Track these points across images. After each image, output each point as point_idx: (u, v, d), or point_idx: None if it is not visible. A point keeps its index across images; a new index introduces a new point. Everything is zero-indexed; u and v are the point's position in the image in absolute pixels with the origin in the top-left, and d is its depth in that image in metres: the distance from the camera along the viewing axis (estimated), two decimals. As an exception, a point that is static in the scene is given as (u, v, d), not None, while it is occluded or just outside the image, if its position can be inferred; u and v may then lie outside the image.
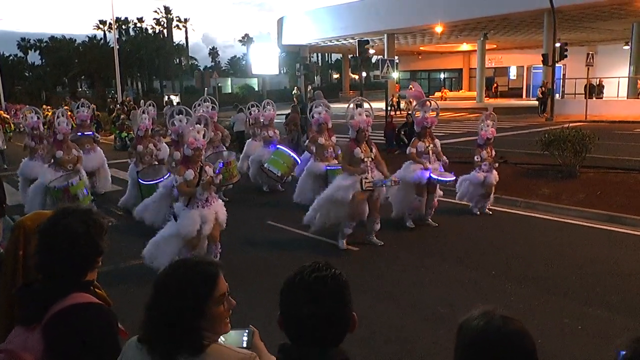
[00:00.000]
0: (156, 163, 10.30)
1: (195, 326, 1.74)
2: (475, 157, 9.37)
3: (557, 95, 29.57)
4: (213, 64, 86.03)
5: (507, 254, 7.36)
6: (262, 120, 12.10)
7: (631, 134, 19.56)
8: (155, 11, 74.44)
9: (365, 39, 22.75)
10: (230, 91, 62.52)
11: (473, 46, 42.72)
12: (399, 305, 5.78)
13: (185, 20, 76.62)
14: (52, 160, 9.78)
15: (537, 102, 29.86)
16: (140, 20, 75.72)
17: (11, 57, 74.27)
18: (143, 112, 10.87)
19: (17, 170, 11.27)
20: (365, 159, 7.60)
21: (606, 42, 39.35)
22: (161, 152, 10.85)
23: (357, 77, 27.11)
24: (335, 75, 71.72)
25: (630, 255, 7.15)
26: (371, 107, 8.27)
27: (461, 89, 51.16)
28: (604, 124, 23.26)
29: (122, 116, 22.19)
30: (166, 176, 9.02)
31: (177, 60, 77.17)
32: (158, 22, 74.86)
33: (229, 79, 72.76)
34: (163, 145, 11.25)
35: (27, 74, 75.36)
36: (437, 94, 44.75)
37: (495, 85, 47.27)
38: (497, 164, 9.53)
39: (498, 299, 5.80)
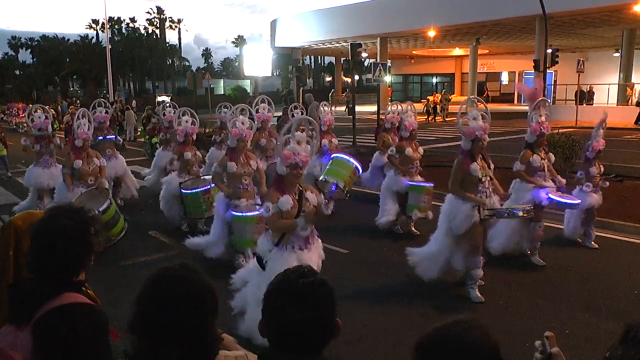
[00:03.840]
0: (201, 176, 8.87)
1: (214, 333, 1.75)
2: (578, 173, 7.73)
3: (548, 100, 29.75)
4: (206, 65, 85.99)
5: (494, 256, 7.39)
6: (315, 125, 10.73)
7: (620, 141, 19.72)
8: (148, 12, 74.18)
9: (358, 42, 22.80)
10: (222, 93, 62.42)
11: (465, 51, 42.93)
12: (390, 309, 5.81)
13: (179, 21, 76.65)
14: (71, 173, 8.11)
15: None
16: (133, 20, 75.81)
17: (2, 56, 73.92)
18: (182, 115, 9.39)
19: (24, 180, 9.91)
20: (484, 179, 5.94)
21: (597, 49, 39.66)
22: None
23: (349, 80, 27.18)
24: (328, 78, 71.80)
25: (618, 260, 7.21)
26: (487, 110, 6.50)
27: (453, 93, 51.37)
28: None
29: (153, 119, 18.83)
30: (209, 186, 7.98)
31: (170, 61, 77.02)
32: (151, 22, 74.77)
33: (222, 80, 72.69)
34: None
35: (18, 73, 74.96)
36: (430, 98, 44.91)
37: (486, 90, 47.46)
38: (607, 183, 7.75)
39: (486, 302, 5.83)
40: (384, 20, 34.98)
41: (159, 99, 42.86)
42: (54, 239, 2.06)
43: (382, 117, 21.82)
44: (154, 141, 17.16)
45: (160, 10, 74.68)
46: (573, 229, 7.73)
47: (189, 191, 8.13)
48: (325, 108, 10.40)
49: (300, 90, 24.19)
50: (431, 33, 32.71)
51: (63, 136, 18.93)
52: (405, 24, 34.10)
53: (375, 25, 35.73)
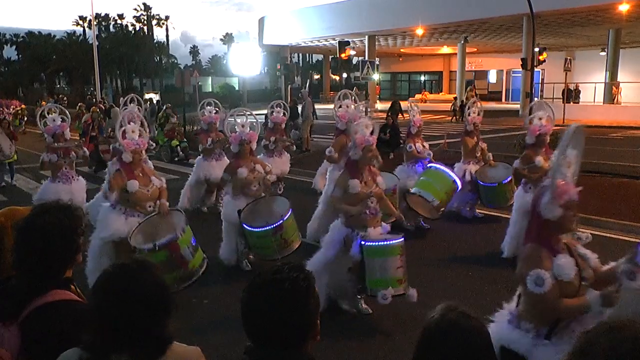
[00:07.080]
0: (263, 195, 6.80)
1: (165, 334, 1.74)
2: None
3: (535, 99, 29.94)
4: (193, 62, 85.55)
5: (484, 255, 7.43)
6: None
7: (606, 139, 19.88)
8: (135, 8, 73.65)
9: (346, 40, 22.84)
10: (210, 90, 62.17)
11: (453, 49, 43.06)
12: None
13: (166, 18, 76.24)
14: (120, 197, 5.77)
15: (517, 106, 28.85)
16: (121, 17, 75.20)
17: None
18: (231, 116, 7.13)
19: (35, 196, 7.94)
20: None
21: (583, 48, 40.00)
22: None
23: (337, 78, 27.07)
24: (316, 76, 71.69)
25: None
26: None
27: (441, 91, 51.53)
28: (580, 128, 23.61)
29: (171, 119, 16.64)
30: (286, 216, 6.15)
31: (157, 58, 76.59)
32: (138, 19, 74.32)
33: (210, 77, 72.39)
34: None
35: (2, 69, 74.15)
36: (418, 96, 45.09)
37: (473, 87, 47.64)
38: None
39: (474, 299, 5.85)
40: (372, 18, 35.01)
41: (147, 96, 42.54)
42: (37, 237, 2.04)
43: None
44: (174, 144, 15.95)
45: (147, 8, 74.28)
46: None
47: (254, 229, 6.15)
48: (415, 107, 8.77)
49: (289, 88, 24.09)
50: (419, 31, 32.79)
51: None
52: (394, 22, 34.15)
53: (363, 23, 35.75)
